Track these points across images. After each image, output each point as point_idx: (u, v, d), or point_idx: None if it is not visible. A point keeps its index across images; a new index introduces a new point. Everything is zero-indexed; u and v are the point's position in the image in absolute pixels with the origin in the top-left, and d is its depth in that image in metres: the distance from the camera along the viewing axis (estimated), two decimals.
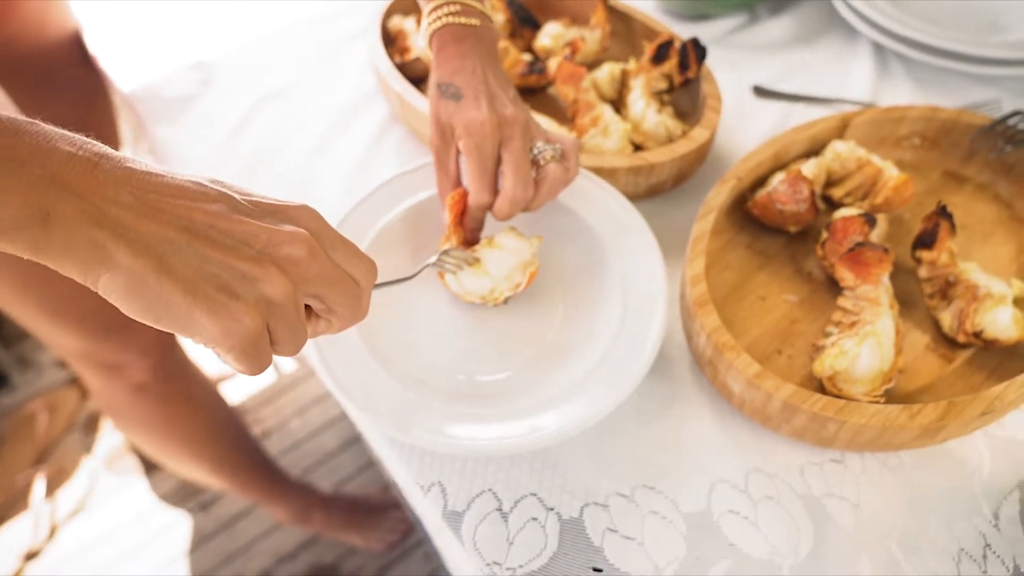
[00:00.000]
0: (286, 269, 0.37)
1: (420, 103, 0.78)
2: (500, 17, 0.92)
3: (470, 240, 0.64)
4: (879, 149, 0.77)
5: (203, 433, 1.21)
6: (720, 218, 0.69)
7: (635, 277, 0.63)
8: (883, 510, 0.56)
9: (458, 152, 0.63)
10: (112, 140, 1.02)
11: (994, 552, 0.54)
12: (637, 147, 0.78)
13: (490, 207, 0.61)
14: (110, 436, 1.73)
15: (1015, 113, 0.73)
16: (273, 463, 1.42)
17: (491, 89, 0.61)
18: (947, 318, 0.63)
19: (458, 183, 0.64)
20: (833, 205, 0.73)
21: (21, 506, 1.61)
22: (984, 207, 0.73)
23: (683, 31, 0.97)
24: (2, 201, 0.31)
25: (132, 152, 1.05)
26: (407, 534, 1.49)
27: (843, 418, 0.53)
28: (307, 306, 0.42)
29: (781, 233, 0.71)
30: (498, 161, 0.60)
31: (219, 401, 1.27)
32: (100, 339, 0.96)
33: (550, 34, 0.90)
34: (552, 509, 0.56)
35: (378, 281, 0.52)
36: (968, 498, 0.57)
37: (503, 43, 0.85)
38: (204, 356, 1.69)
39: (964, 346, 0.63)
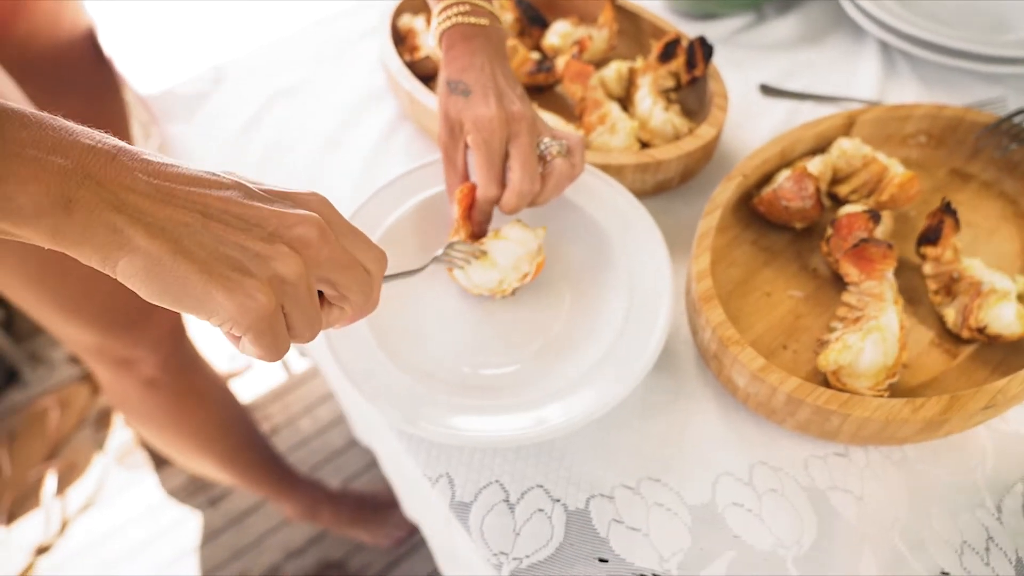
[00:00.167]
0: (298, 250, 0.39)
1: (429, 101, 0.79)
2: (509, 16, 0.92)
3: (477, 233, 0.65)
4: (885, 147, 0.77)
5: (213, 428, 1.22)
6: (726, 215, 0.70)
7: (641, 273, 0.64)
8: (886, 503, 0.56)
9: (466, 147, 0.64)
10: (123, 137, 1.02)
11: (997, 545, 0.55)
12: (644, 145, 0.79)
13: (497, 201, 0.62)
14: (121, 432, 1.74)
15: (1020, 111, 0.74)
16: (282, 459, 1.43)
17: (499, 86, 0.62)
18: (951, 314, 0.63)
19: (465, 178, 0.66)
20: (839, 202, 0.74)
21: (33, 501, 1.63)
22: (989, 204, 0.74)
23: (690, 30, 0.98)
24: (27, 189, 0.33)
25: (142, 148, 1.06)
26: (414, 531, 1.50)
27: (847, 411, 0.54)
28: (321, 296, 0.43)
29: (787, 230, 0.72)
30: (505, 156, 0.61)
31: (229, 397, 1.28)
32: (112, 334, 0.97)
33: (558, 33, 0.90)
34: (558, 501, 0.57)
35: (388, 273, 0.53)
36: (971, 491, 0.57)
37: (512, 41, 0.86)
38: (214, 353, 1.70)
39: (968, 342, 0.63)
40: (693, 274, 0.63)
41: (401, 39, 0.91)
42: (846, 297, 0.64)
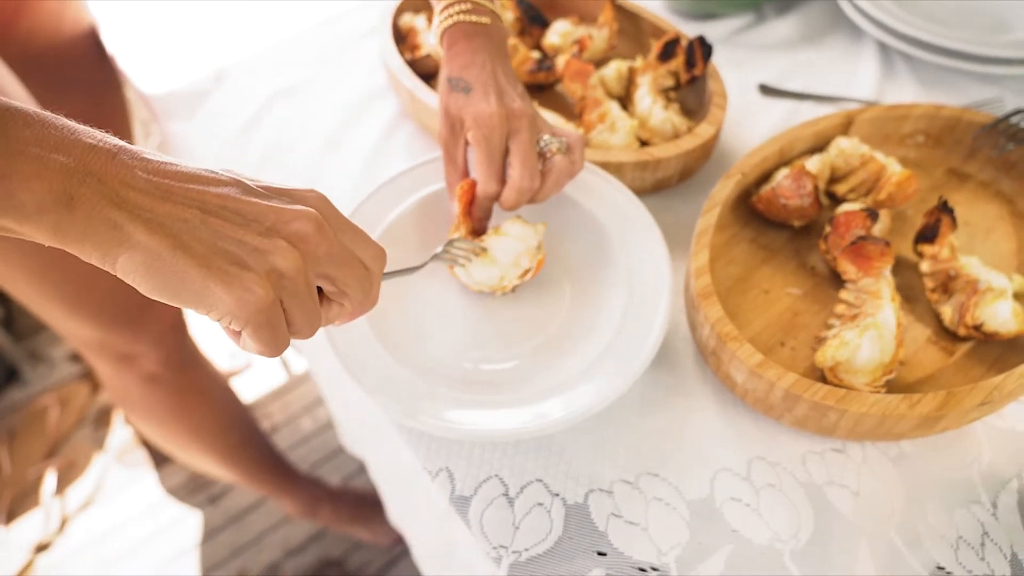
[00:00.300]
0: (295, 244, 0.39)
1: (430, 99, 0.79)
2: (509, 15, 0.93)
3: (478, 230, 0.66)
4: (883, 146, 0.77)
5: (213, 425, 1.23)
6: (725, 213, 0.70)
7: (641, 270, 0.65)
8: (883, 498, 0.57)
9: (466, 144, 0.65)
10: (124, 135, 1.03)
11: (992, 540, 0.55)
12: (643, 143, 0.79)
13: (497, 197, 0.63)
14: (120, 430, 1.74)
15: (1018, 111, 0.74)
16: (282, 457, 1.44)
17: (500, 84, 0.63)
18: (948, 311, 0.64)
19: (465, 175, 0.66)
20: (837, 201, 0.74)
21: (32, 499, 1.63)
22: (986, 204, 0.74)
23: (690, 30, 0.98)
24: (29, 187, 0.33)
25: (142, 146, 1.07)
26: None
27: (844, 407, 0.54)
28: (321, 292, 0.43)
29: (785, 228, 0.72)
30: (505, 153, 0.62)
31: (229, 394, 1.28)
32: (114, 329, 0.97)
33: (559, 32, 0.91)
34: (557, 495, 0.58)
35: (388, 270, 0.53)
36: (967, 487, 0.58)
37: (512, 40, 0.86)
38: (215, 351, 1.71)
39: (965, 339, 0.64)
40: (692, 271, 0.63)
41: (402, 38, 0.91)
42: (844, 294, 0.64)
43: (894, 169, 0.70)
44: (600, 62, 0.89)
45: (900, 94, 0.90)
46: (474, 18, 0.65)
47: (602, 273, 0.67)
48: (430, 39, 0.88)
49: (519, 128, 0.61)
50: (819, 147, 0.75)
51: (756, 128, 0.86)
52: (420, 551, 0.86)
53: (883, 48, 0.96)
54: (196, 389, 1.17)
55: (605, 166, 0.73)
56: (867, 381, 0.58)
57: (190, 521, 1.60)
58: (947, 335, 0.64)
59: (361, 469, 1.64)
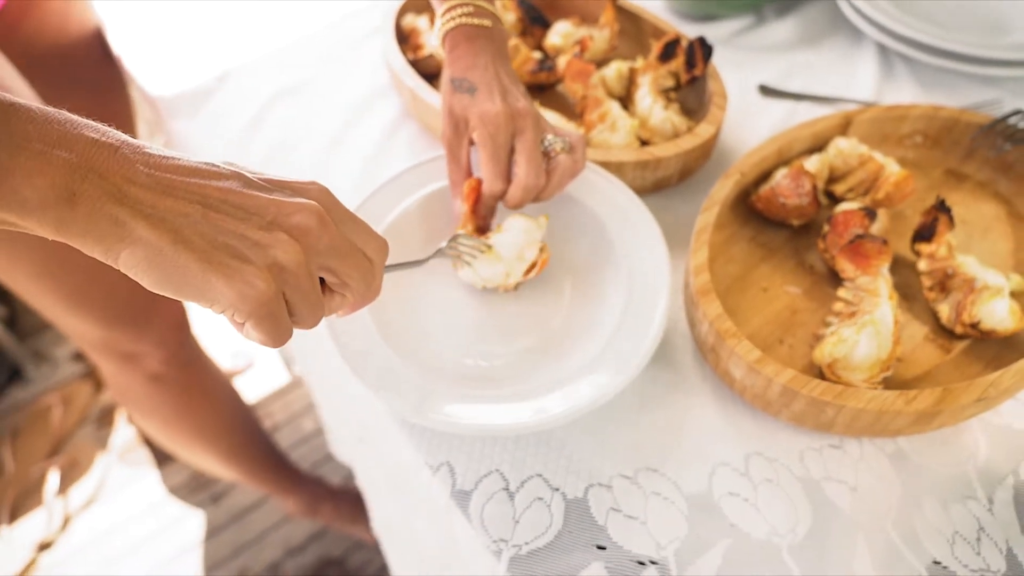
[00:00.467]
0: (297, 237, 0.40)
1: (433, 98, 0.80)
2: (511, 16, 0.94)
3: (482, 227, 0.67)
4: (881, 147, 0.78)
5: (216, 423, 1.23)
6: (724, 211, 0.71)
7: (641, 267, 0.65)
8: (880, 494, 0.57)
9: (470, 143, 0.65)
10: (129, 134, 1.04)
11: (988, 535, 0.55)
12: (644, 143, 0.80)
13: (502, 196, 0.64)
14: (123, 429, 1.75)
15: (1015, 112, 0.75)
16: (284, 456, 1.44)
17: (504, 84, 0.64)
18: (945, 310, 0.64)
19: (469, 174, 0.67)
20: (835, 200, 0.75)
21: (35, 498, 1.64)
22: (984, 204, 0.75)
23: (690, 31, 0.99)
24: (32, 182, 0.34)
25: None
26: None
27: (841, 402, 0.55)
28: (323, 283, 0.44)
29: (784, 227, 0.73)
30: (510, 152, 0.63)
31: (232, 393, 1.29)
32: (118, 328, 0.98)
33: (560, 33, 0.92)
34: (557, 489, 0.58)
35: (391, 263, 0.54)
36: (964, 483, 0.58)
37: (514, 41, 0.87)
38: (218, 350, 1.71)
39: (961, 337, 0.64)
40: (691, 268, 0.64)
41: (404, 38, 0.92)
42: (842, 292, 0.65)
43: (892, 169, 0.71)
44: (601, 62, 0.90)
45: (899, 96, 0.90)
46: (476, 20, 0.66)
47: (602, 271, 0.67)
48: (432, 40, 0.88)
49: (524, 128, 0.62)
50: (818, 147, 0.76)
51: (755, 128, 0.87)
52: (405, 554, 0.87)
53: (882, 50, 0.97)
54: (199, 388, 1.18)
55: (606, 165, 0.73)
56: (864, 378, 0.59)
57: (192, 520, 1.60)
58: (944, 333, 0.65)
59: None
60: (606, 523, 0.56)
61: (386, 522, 0.93)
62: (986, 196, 0.75)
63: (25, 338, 1.88)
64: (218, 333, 1.80)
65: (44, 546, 1.57)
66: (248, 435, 1.34)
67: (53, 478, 1.65)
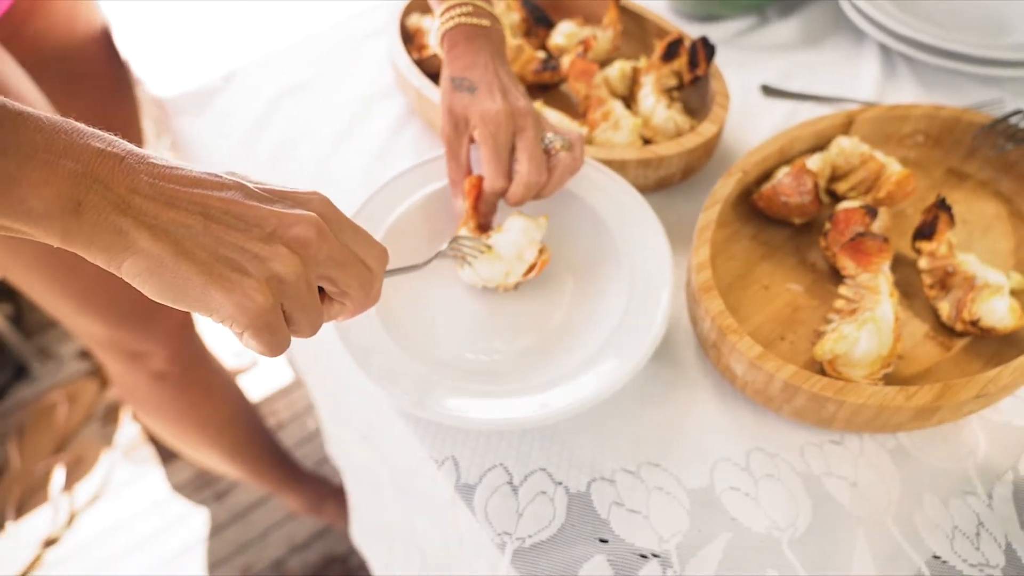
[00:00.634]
0: (296, 250, 0.40)
1: (437, 97, 0.81)
2: (515, 16, 0.94)
3: (484, 225, 0.67)
4: (883, 146, 0.79)
5: (220, 421, 1.24)
6: (726, 209, 0.71)
7: (643, 264, 0.66)
8: (880, 489, 0.58)
9: (470, 142, 0.66)
10: (135, 134, 1.05)
11: (987, 530, 0.56)
12: (647, 141, 0.81)
13: (504, 193, 0.64)
14: (128, 427, 1.76)
15: (1016, 111, 0.75)
16: (287, 454, 1.45)
17: (504, 83, 0.65)
18: (945, 307, 0.65)
19: (468, 172, 0.68)
20: (837, 199, 0.75)
21: (41, 495, 1.64)
22: (985, 203, 0.75)
23: (693, 32, 0.99)
24: (38, 192, 0.35)
25: (154, 147, 1.08)
26: None
27: (841, 398, 0.55)
28: (323, 291, 0.45)
29: (786, 225, 0.73)
30: (511, 150, 0.63)
31: (236, 392, 1.30)
32: (123, 327, 0.98)
33: (563, 32, 0.92)
34: (561, 483, 0.59)
35: (392, 268, 0.55)
36: (963, 478, 0.59)
37: (518, 41, 0.87)
38: (222, 348, 1.72)
39: (962, 335, 0.65)
40: (693, 265, 0.64)
41: (409, 38, 0.93)
42: (843, 290, 0.66)
43: (894, 168, 0.71)
44: (604, 62, 0.90)
45: (901, 96, 0.91)
46: (475, 20, 0.67)
47: (605, 267, 0.68)
48: (431, 40, 0.89)
49: (525, 126, 0.63)
50: (819, 146, 0.77)
51: (758, 128, 0.87)
52: (407, 553, 0.88)
53: (884, 50, 0.97)
54: (203, 387, 1.18)
55: (609, 163, 0.74)
56: (865, 374, 0.59)
57: (196, 517, 1.61)
58: (944, 330, 0.65)
59: None
60: (608, 517, 0.57)
61: (385, 522, 0.94)
62: (987, 195, 0.76)
63: (31, 335, 1.89)
64: (223, 332, 1.81)
65: (49, 542, 1.58)
66: (252, 433, 1.34)
67: (58, 475, 1.66)
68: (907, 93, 0.91)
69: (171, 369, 1.09)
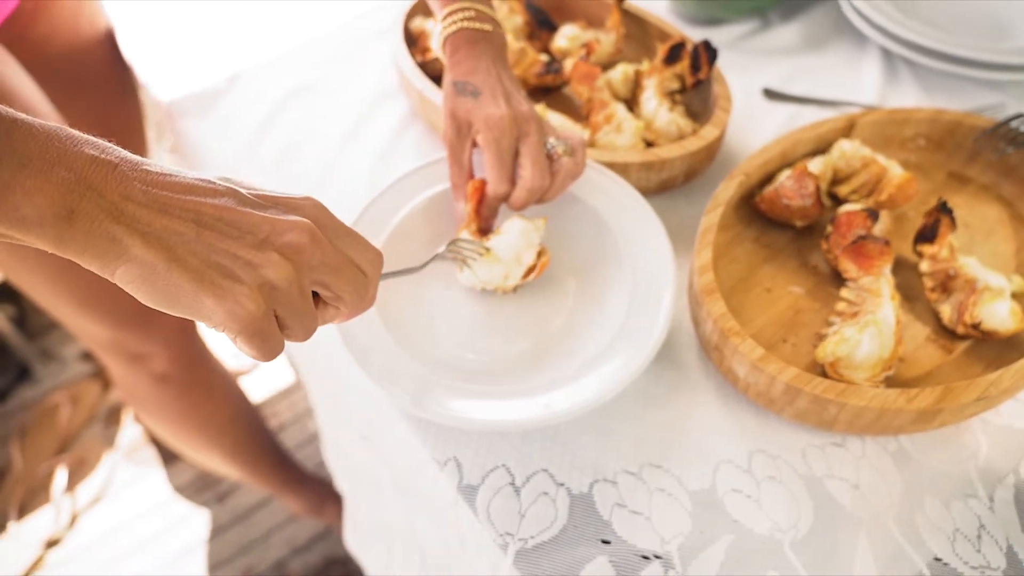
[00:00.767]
0: (288, 256, 0.41)
1: (441, 100, 0.81)
2: (518, 19, 0.95)
3: (485, 228, 0.68)
4: (885, 150, 0.79)
5: (221, 423, 1.24)
6: (728, 212, 0.72)
7: (645, 267, 0.66)
8: (882, 491, 0.58)
9: (473, 146, 0.66)
10: (138, 136, 1.05)
11: (988, 533, 0.56)
12: (649, 144, 0.81)
13: (507, 197, 0.65)
14: (130, 428, 1.76)
15: (1018, 115, 0.75)
16: (289, 455, 1.45)
17: (506, 88, 0.65)
18: (947, 310, 0.65)
19: (471, 176, 0.68)
20: (839, 202, 0.75)
21: (43, 496, 1.65)
22: (986, 207, 0.75)
23: (695, 35, 1.00)
24: (32, 200, 0.35)
25: (155, 150, 1.09)
26: None
27: (843, 400, 0.56)
28: (317, 295, 0.45)
29: (787, 228, 0.74)
30: (515, 154, 0.64)
31: (238, 393, 1.30)
32: (125, 328, 0.99)
33: (566, 36, 0.93)
34: (563, 484, 0.59)
35: (390, 271, 0.55)
36: (964, 481, 0.59)
37: (521, 44, 0.88)
38: (224, 350, 1.72)
39: (963, 338, 0.65)
40: (695, 268, 0.65)
41: (413, 41, 0.93)
42: (844, 292, 0.66)
43: (895, 172, 0.72)
44: (607, 65, 0.91)
45: (903, 99, 0.91)
46: (477, 25, 0.67)
47: (607, 270, 0.68)
48: (433, 44, 0.89)
49: (528, 131, 0.63)
50: (821, 150, 0.77)
51: (760, 131, 0.87)
52: (408, 554, 0.88)
53: (886, 54, 0.97)
54: (205, 388, 1.19)
55: (611, 166, 0.74)
56: (867, 377, 0.60)
57: (198, 518, 1.61)
58: (946, 333, 0.65)
59: None
60: (611, 518, 0.57)
61: (385, 522, 0.94)
62: (989, 199, 0.76)
63: (33, 337, 1.89)
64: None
65: (52, 543, 1.58)
66: (253, 434, 1.35)
67: (61, 476, 1.66)
68: (909, 97, 0.92)
69: (173, 370, 1.09)
